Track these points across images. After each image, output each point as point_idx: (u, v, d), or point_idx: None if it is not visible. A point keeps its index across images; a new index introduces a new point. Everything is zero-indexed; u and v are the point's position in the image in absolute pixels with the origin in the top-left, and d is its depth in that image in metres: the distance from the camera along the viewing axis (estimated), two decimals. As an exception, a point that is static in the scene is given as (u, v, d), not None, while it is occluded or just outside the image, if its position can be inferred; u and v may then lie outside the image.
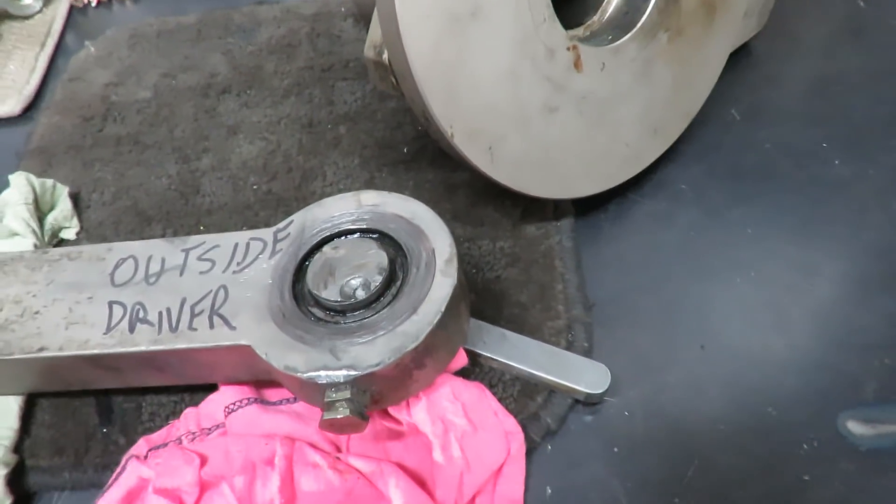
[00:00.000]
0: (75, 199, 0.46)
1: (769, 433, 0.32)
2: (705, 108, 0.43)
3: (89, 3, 0.67)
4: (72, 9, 0.67)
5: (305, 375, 0.27)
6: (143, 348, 0.30)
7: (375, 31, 0.33)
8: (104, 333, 0.31)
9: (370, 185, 0.44)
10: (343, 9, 0.58)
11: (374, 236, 0.32)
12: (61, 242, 0.44)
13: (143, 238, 0.43)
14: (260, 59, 0.55)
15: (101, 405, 0.36)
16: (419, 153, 0.45)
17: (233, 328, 0.29)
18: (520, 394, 0.33)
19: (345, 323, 0.29)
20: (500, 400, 0.33)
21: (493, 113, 0.33)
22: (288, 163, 0.46)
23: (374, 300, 0.29)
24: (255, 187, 0.45)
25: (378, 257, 0.30)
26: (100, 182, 0.47)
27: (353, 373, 0.27)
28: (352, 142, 0.47)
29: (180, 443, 0.32)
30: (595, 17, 0.39)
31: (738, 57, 0.49)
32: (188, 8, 0.63)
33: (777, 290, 0.37)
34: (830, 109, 0.46)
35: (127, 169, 0.48)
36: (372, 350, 0.27)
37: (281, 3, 0.60)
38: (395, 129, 0.47)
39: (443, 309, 0.28)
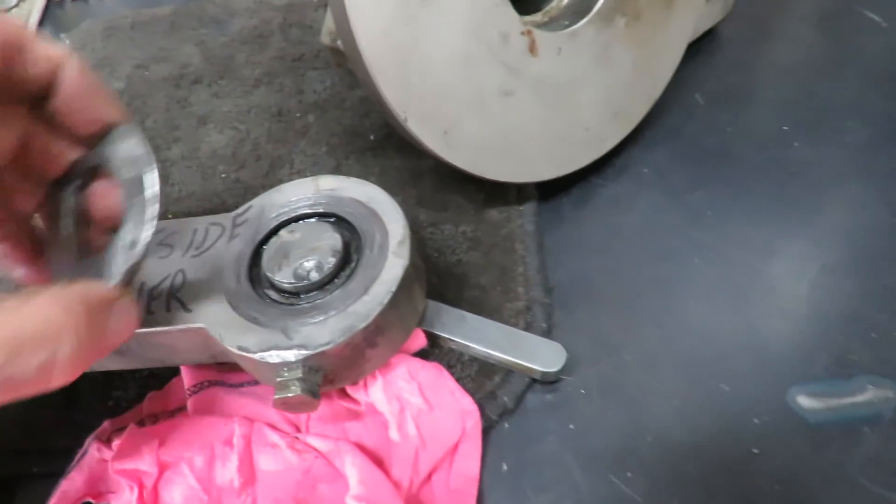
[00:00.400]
0: (47, 189, 0.47)
1: (721, 408, 0.33)
2: (670, 93, 0.44)
3: (65, -4, 0.67)
4: (49, 3, 0.67)
5: (257, 355, 0.28)
6: (101, 332, 0.30)
7: (330, 18, 0.33)
8: (64, 318, 0.31)
9: (337, 172, 0.44)
10: (315, -1, 0.58)
11: (331, 220, 0.33)
12: (32, 232, 0.45)
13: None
14: (232, 49, 0.55)
15: (68, 390, 0.36)
16: (385, 140, 0.46)
17: (188, 311, 0.30)
18: (477, 374, 0.34)
19: (299, 305, 0.30)
20: (458, 380, 0.33)
21: (447, 97, 0.33)
22: (256, 151, 0.46)
23: (328, 282, 0.30)
24: (223, 176, 0.45)
25: (332, 240, 0.31)
26: (71, 173, 0.48)
27: (304, 352, 0.27)
28: (320, 130, 0.47)
29: (143, 424, 0.33)
30: (554, 3, 0.39)
31: (705, 42, 0.50)
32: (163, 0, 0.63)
33: (734, 270, 0.38)
34: (794, 94, 0.47)
35: (98, 160, 0.48)
36: (323, 330, 0.28)
37: (254, -7, 0.61)
38: (363, 117, 0.47)
39: (394, 289, 0.29)
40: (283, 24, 0.56)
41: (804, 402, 0.32)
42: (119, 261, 0.26)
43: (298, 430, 0.32)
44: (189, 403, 0.33)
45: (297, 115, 0.48)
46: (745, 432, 0.32)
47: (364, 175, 0.43)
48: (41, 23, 0.65)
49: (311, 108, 0.49)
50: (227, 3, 0.60)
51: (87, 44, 0.59)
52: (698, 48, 0.49)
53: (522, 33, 0.34)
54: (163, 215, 0.43)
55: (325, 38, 0.34)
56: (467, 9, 0.32)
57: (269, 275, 0.30)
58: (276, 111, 0.49)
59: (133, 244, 0.26)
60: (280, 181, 0.44)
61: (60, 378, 0.22)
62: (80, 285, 0.23)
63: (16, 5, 0.66)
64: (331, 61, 0.35)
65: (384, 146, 0.45)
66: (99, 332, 0.24)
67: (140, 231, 0.26)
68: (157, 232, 0.33)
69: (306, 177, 0.44)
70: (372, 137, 0.46)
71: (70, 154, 0.28)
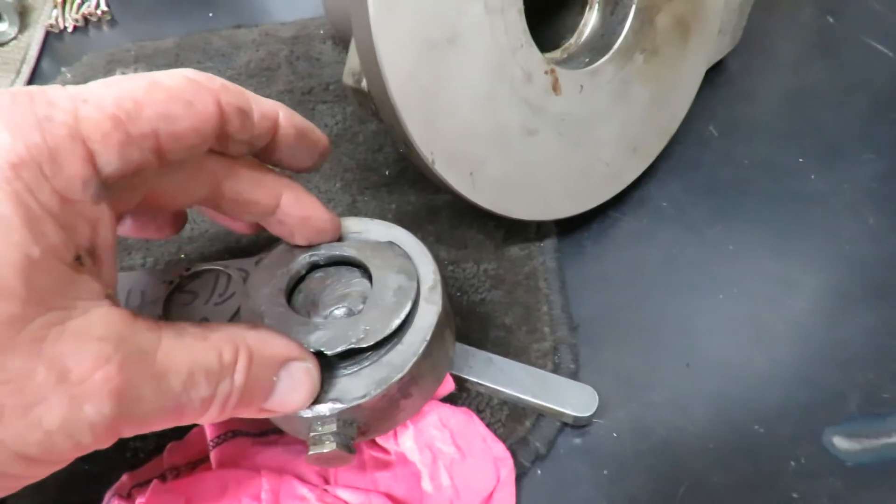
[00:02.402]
0: (53, 229, 0.46)
1: (757, 450, 0.32)
2: (684, 125, 0.44)
3: (65, 28, 0.66)
4: (48, 35, 0.66)
5: (290, 409, 0.27)
6: (123, 385, 0.29)
7: (353, 59, 0.33)
8: (84, 370, 0.30)
9: (352, 208, 0.44)
10: (322, 31, 0.58)
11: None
12: (39, 274, 0.43)
13: (123, 267, 0.42)
14: (239, 83, 0.53)
15: (82, 442, 0.35)
16: (400, 175, 0.45)
17: (215, 362, 0.29)
18: (508, 418, 0.33)
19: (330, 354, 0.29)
20: (488, 425, 0.33)
21: (473, 138, 0.33)
22: (269, 188, 0.46)
23: (359, 330, 0.29)
24: (236, 213, 0.45)
25: (362, 286, 0.30)
26: (78, 211, 0.47)
27: (338, 406, 0.26)
28: (333, 165, 0.47)
29: (164, 479, 0.31)
30: (572, 40, 0.39)
31: (714, 73, 0.50)
32: (167, 32, 0.63)
33: (759, 305, 0.38)
34: (805, 124, 0.47)
35: (105, 197, 0.47)
36: (357, 382, 0.27)
37: (259, 25, 0.60)
38: (377, 151, 0.47)
39: (428, 337, 0.28)
40: (289, 56, 0.56)
41: (840, 443, 0.32)
42: (339, 336, 0.27)
43: (326, 481, 0.31)
44: (212, 456, 0.31)
45: (309, 150, 0.48)
46: (783, 475, 0.31)
47: (380, 211, 0.43)
48: (40, 55, 0.64)
49: (323, 142, 0.48)
50: (231, 36, 0.59)
51: (89, 78, 0.58)
52: (709, 79, 0.49)
53: (546, 72, 0.34)
54: (175, 255, 0.43)
55: (347, 79, 0.34)
56: (493, 49, 0.32)
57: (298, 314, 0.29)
58: (287, 146, 0.48)
59: (366, 334, 0.27)
60: (294, 219, 0.44)
61: (213, 416, 0.22)
62: (259, 332, 0.24)
63: (14, 37, 0.66)
64: (353, 102, 0.35)
65: (399, 181, 0.45)
66: (257, 386, 0.23)
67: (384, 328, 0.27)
68: (177, 277, 0.33)
69: (321, 214, 0.44)
70: (387, 172, 0.45)
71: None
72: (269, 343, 0.24)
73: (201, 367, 0.21)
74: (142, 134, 0.21)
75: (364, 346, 0.27)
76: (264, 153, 0.28)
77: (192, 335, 0.22)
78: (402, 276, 0.29)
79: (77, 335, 0.19)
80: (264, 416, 0.25)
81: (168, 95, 0.21)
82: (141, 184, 0.24)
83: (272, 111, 0.26)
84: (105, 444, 0.20)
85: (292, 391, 0.25)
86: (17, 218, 0.17)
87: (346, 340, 0.27)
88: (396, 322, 0.27)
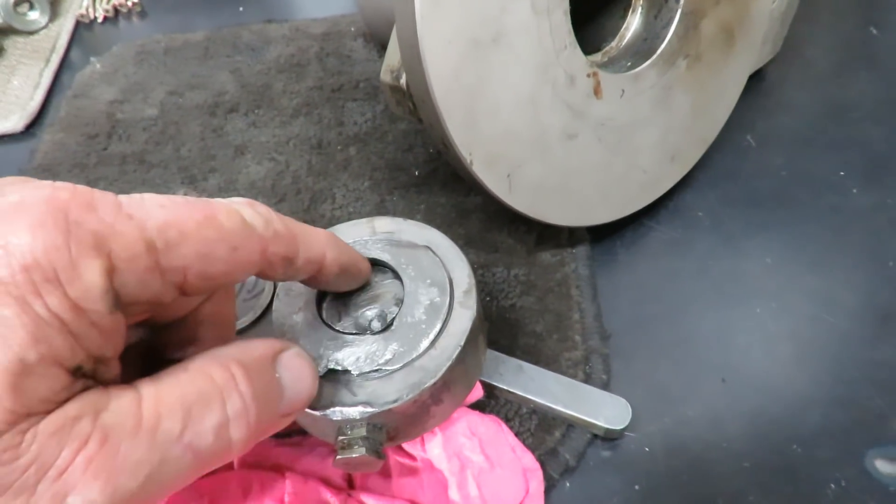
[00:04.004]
0: (79, 218, 0.45)
1: (795, 471, 0.31)
2: (721, 134, 0.43)
3: (95, 18, 0.67)
4: (78, 24, 0.66)
5: (318, 412, 0.26)
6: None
7: (393, 55, 0.32)
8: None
9: (381, 208, 0.43)
10: (353, 28, 0.57)
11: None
12: (64, 263, 0.43)
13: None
14: (268, 78, 0.54)
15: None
16: (430, 176, 0.44)
17: (243, 359, 0.28)
18: (537, 428, 0.32)
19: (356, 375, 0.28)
20: (517, 434, 0.32)
21: (512, 140, 0.32)
22: (297, 184, 0.45)
23: (391, 332, 0.28)
24: (263, 209, 0.44)
25: (394, 287, 0.29)
26: (104, 201, 0.46)
27: (369, 409, 0.26)
28: (362, 164, 0.46)
29: (186, 477, 0.31)
30: (613, 43, 0.38)
31: (752, 83, 0.49)
32: (196, 25, 0.63)
33: (798, 321, 0.37)
34: (846, 137, 0.46)
35: (132, 188, 0.47)
36: (389, 385, 0.26)
37: (290, 21, 0.60)
38: (406, 151, 0.46)
39: (462, 343, 0.27)
40: (319, 52, 0.56)
41: (883, 466, 0.31)
42: (367, 357, 0.27)
43: (351, 485, 0.31)
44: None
45: (338, 147, 0.47)
46: (823, 498, 0.30)
47: (409, 212, 0.42)
48: (70, 44, 0.64)
49: (352, 140, 0.48)
50: (262, 31, 0.59)
51: (118, 68, 0.58)
52: (747, 88, 0.48)
53: (588, 75, 0.33)
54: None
55: (385, 76, 0.33)
56: (537, 50, 0.31)
57: (328, 323, 0.29)
58: (315, 143, 0.48)
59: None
60: (322, 216, 0.43)
61: (239, 442, 0.20)
62: (235, 344, 0.22)
63: (44, 26, 0.66)
64: (389, 100, 0.34)
65: (429, 182, 0.44)
66: (266, 389, 0.22)
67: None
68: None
69: (350, 212, 0.43)
70: (416, 172, 0.45)
71: None
72: (250, 348, 0.23)
73: (196, 396, 0.20)
74: (172, 267, 0.19)
75: (391, 368, 0.26)
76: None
77: (170, 374, 0.20)
78: (434, 289, 0.29)
79: (52, 428, 0.17)
80: (288, 421, 0.24)
81: (218, 236, 0.20)
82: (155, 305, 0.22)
83: (319, 255, 0.25)
84: None
85: (299, 379, 0.24)
86: (17, 321, 0.16)
87: (374, 362, 0.27)
88: (425, 343, 0.27)
